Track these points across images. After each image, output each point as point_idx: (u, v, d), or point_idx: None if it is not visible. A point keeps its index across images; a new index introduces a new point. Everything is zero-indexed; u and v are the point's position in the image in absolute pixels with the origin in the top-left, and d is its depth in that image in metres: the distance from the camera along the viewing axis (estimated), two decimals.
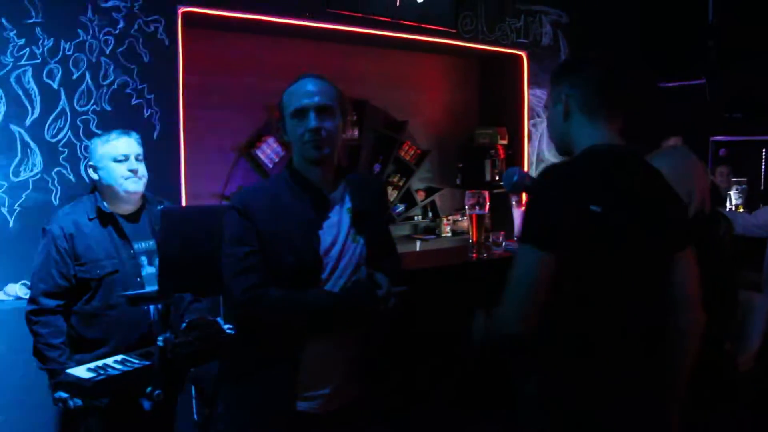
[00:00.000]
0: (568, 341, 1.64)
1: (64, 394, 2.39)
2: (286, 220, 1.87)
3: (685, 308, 1.75)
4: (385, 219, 2.20)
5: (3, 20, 3.30)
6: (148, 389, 2.31)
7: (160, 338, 2.24)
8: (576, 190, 1.65)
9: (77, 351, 2.49)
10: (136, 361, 2.36)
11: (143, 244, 2.60)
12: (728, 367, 2.33)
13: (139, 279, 2.54)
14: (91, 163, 2.59)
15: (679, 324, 1.75)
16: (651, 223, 1.69)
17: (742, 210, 5.08)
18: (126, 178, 2.53)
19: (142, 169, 2.56)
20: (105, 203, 2.56)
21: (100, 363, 2.33)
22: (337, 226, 1.92)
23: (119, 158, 2.52)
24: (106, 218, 2.55)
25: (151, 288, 2.46)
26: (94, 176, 2.58)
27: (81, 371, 2.26)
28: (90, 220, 2.54)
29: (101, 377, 2.21)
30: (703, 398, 2.23)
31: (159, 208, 2.51)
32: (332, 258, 1.89)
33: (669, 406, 1.76)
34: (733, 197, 5.24)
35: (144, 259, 2.58)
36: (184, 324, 2.43)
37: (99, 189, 2.60)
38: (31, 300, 2.49)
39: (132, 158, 2.54)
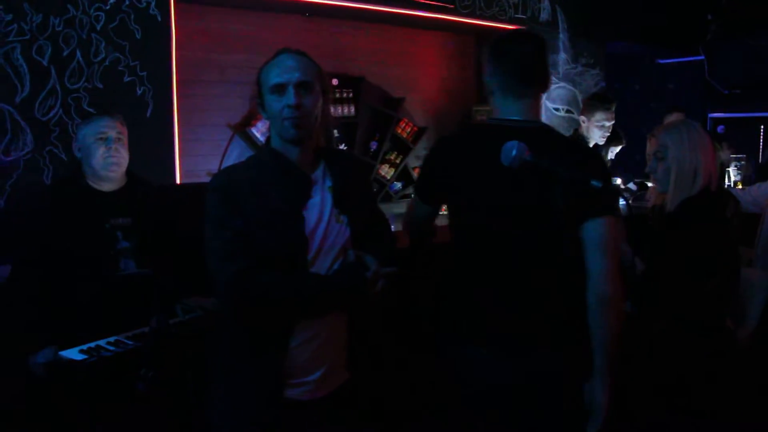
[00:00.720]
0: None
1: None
2: (269, 201, 1.81)
3: (595, 280, 1.85)
4: (371, 197, 2.14)
5: None
6: (142, 371, 2.28)
7: (153, 319, 2.22)
8: (446, 157, 2.00)
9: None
10: (130, 343, 2.33)
11: (120, 220, 2.61)
12: (728, 343, 2.32)
13: (112, 252, 2.57)
14: (76, 142, 2.65)
15: (590, 294, 1.86)
16: (518, 192, 1.87)
17: (740, 187, 5.05)
18: (104, 158, 2.58)
19: (121, 149, 2.60)
20: (87, 180, 2.62)
21: (92, 345, 2.31)
22: (319, 206, 1.87)
23: (98, 138, 2.57)
24: (84, 192, 2.62)
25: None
26: (79, 154, 2.65)
27: (74, 353, 2.23)
28: (70, 193, 2.60)
29: (94, 359, 2.19)
30: (703, 374, 2.22)
31: (151, 186, 2.53)
32: (317, 239, 1.84)
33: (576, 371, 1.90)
34: (732, 174, 5.21)
35: (119, 234, 2.60)
36: (179, 305, 2.40)
37: (83, 167, 2.65)
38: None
39: (112, 138, 2.58)
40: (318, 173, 1.91)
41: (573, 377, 1.92)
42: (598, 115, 4.20)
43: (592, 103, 4.33)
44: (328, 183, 1.92)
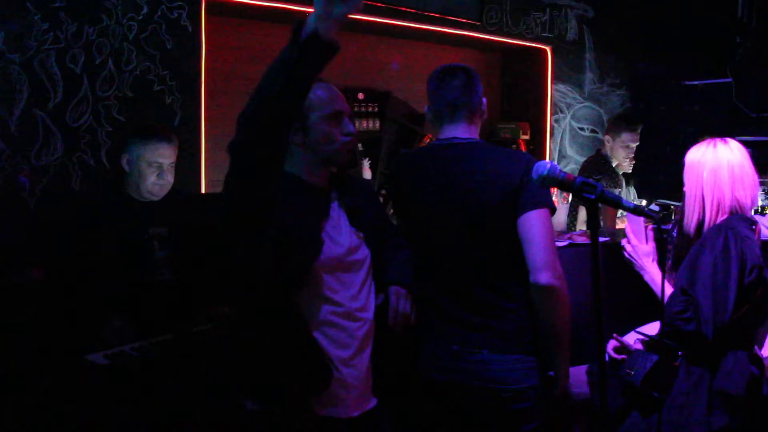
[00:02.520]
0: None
1: None
2: (288, 221, 1.82)
3: (535, 271, 2.01)
4: (382, 213, 2.21)
5: (28, 4, 3.30)
6: (165, 378, 2.29)
7: (179, 327, 2.23)
8: (400, 171, 2.31)
9: None
10: (153, 349, 2.35)
11: (158, 230, 2.65)
12: (760, 377, 2.26)
13: (150, 261, 2.64)
14: (126, 154, 2.64)
15: (532, 285, 2.03)
16: (456, 195, 2.10)
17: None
18: (154, 183, 2.64)
19: (170, 176, 2.64)
20: (129, 192, 2.72)
21: (117, 350, 2.32)
22: (338, 224, 1.92)
23: (154, 164, 2.60)
24: (126, 199, 2.72)
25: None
26: (126, 167, 2.64)
27: (99, 358, 2.25)
28: (112, 199, 2.74)
29: (118, 364, 2.20)
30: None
31: (180, 194, 2.57)
32: (340, 253, 1.86)
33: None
34: (759, 199, 5.14)
35: (156, 243, 2.64)
36: (205, 313, 2.42)
37: (125, 179, 2.66)
38: None
39: (165, 166, 2.62)
40: (333, 194, 1.95)
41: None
42: (624, 136, 4.17)
43: (617, 123, 4.31)
44: (342, 205, 1.97)
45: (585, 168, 4.50)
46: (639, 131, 4.25)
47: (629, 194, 4.62)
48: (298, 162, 1.92)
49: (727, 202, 2.26)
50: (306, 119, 1.89)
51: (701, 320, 2.13)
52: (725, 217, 2.24)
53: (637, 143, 4.24)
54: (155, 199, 2.67)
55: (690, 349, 2.22)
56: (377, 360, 1.95)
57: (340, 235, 1.88)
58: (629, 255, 2.46)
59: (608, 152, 4.32)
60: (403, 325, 1.93)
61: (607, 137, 4.33)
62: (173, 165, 2.68)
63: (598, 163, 4.30)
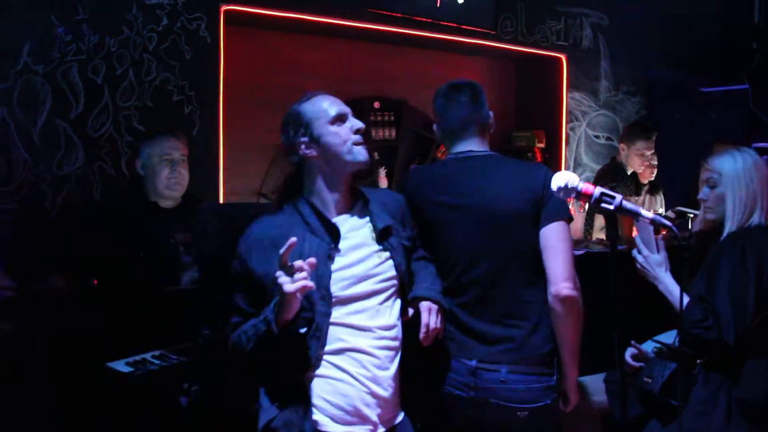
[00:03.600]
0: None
1: None
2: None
3: (554, 282, 2.03)
4: (413, 234, 2.12)
5: (52, 17, 3.36)
6: (185, 385, 2.32)
7: (199, 334, 2.26)
8: (415, 183, 2.30)
9: None
10: (174, 357, 2.38)
11: (181, 236, 2.71)
12: None
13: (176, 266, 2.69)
14: (139, 159, 2.72)
15: (550, 295, 2.04)
16: (474, 207, 2.11)
17: None
18: (168, 178, 2.67)
19: (183, 170, 2.68)
20: (150, 197, 2.78)
21: (138, 358, 2.36)
22: (358, 248, 1.89)
23: (164, 159, 2.65)
24: (149, 209, 2.78)
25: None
26: (141, 172, 2.71)
27: (120, 365, 2.28)
28: (138, 210, 2.79)
29: (141, 372, 2.23)
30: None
31: (203, 205, 2.61)
32: (359, 279, 1.86)
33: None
34: None
35: (182, 248, 2.72)
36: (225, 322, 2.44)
37: (145, 184, 2.73)
38: None
39: (176, 160, 2.66)
40: (356, 214, 1.94)
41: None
42: (639, 144, 4.17)
43: (632, 131, 4.30)
44: (368, 222, 1.94)
45: (600, 176, 4.51)
46: (654, 139, 4.24)
47: (655, 203, 4.58)
48: (317, 182, 1.90)
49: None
50: (312, 130, 1.89)
51: (721, 328, 2.13)
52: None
53: (653, 151, 4.24)
54: (174, 194, 2.72)
55: (709, 357, 2.22)
56: (405, 374, 1.95)
57: (356, 260, 1.86)
58: (641, 266, 2.43)
59: (623, 160, 4.31)
60: (434, 339, 1.95)
61: (622, 145, 4.33)
62: (184, 159, 2.72)
63: (613, 171, 4.30)
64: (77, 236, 2.85)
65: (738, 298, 2.14)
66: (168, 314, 2.52)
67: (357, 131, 1.88)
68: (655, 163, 4.28)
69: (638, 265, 2.43)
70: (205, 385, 2.28)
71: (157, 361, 2.34)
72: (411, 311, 1.96)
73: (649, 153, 4.20)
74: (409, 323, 1.95)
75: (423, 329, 1.92)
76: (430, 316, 1.94)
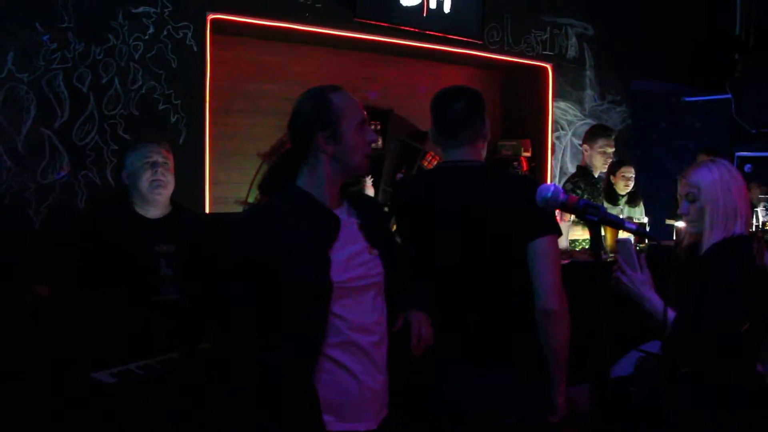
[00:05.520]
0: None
1: None
2: (295, 241, 1.80)
3: (541, 296, 2.04)
4: (390, 231, 2.20)
5: (37, 24, 3.35)
6: (171, 396, 2.30)
7: (183, 346, 2.25)
8: (404, 192, 2.38)
9: None
10: (159, 368, 2.36)
11: (164, 247, 2.68)
12: (761, 389, 2.28)
13: (156, 278, 2.65)
14: (123, 168, 2.76)
15: (537, 309, 2.04)
16: (461, 220, 2.11)
17: None
18: (150, 183, 2.70)
19: (167, 175, 2.68)
20: (134, 207, 2.73)
21: (123, 368, 2.34)
22: (349, 242, 1.88)
23: (146, 164, 2.65)
24: (133, 218, 2.72)
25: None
26: (126, 181, 2.71)
27: (105, 376, 2.26)
28: (120, 219, 2.72)
29: (125, 383, 2.21)
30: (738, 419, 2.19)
31: (187, 216, 2.59)
32: (349, 275, 1.85)
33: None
34: (761, 215, 5.16)
35: (163, 261, 2.67)
36: (210, 332, 2.43)
37: (130, 192, 2.75)
38: None
39: (158, 165, 2.67)
40: (343, 211, 1.93)
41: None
42: (600, 141, 4.36)
43: (593, 131, 4.51)
44: (355, 220, 1.94)
45: (569, 181, 4.64)
46: (613, 138, 4.43)
47: (634, 214, 4.72)
48: (319, 175, 1.87)
49: (746, 217, 2.29)
50: (337, 127, 1.85)
51: (706, 337, 2.14)
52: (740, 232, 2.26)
53: (613, 149, 4.40)
54: (158, 198, 2.70)
55: (693, 365, 2.23)
56: (392, 377, 1.95)
57: (351, 252, 1.87)
58: (626, 287, 2.39)
59: (588, 161, 4.43)
60: (424, 349, 1.95)
61: (585, 146, 4.47)
62: (167, 163, 2.72)
63: (580, 177, 4.41)
64: (58, 246, 2.83)
65: (725, 308, 2.16)
66: (152, 325, 2.50)
67: (371, 141, 1.90)
68: (612, 158, 4.47)
69: (623, 288, 2.39)
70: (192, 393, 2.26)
71: (142, 372, 2.31)
72: (401, 321, 1.96)
73: (610, 150, 4.38)
74: (399, 332, 1.95)
75: (414, 340, 1.92)
76: (420, 327, 1.94)
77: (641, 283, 2.32)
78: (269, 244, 1.80)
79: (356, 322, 1.83)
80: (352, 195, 2.00)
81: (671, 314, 2.19)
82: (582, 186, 4.21)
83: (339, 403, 1.81)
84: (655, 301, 2.29)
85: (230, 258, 1.88)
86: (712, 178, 2.28)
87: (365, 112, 1.91)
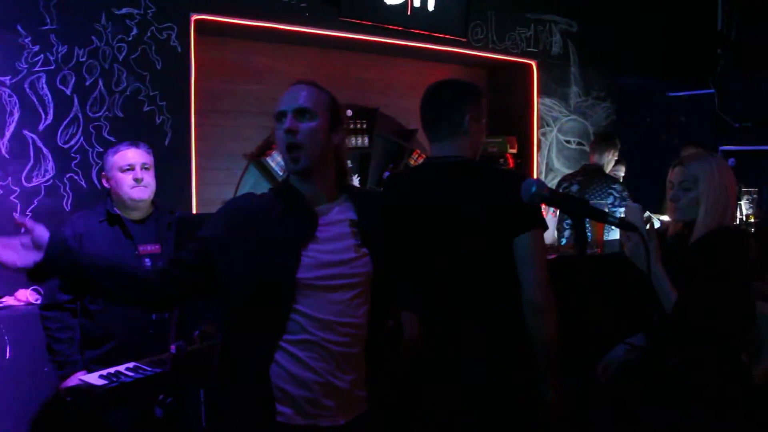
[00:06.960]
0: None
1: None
2: (270, 236, 1.79)
3: (528, 290, 2.05)
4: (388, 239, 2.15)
5: (18, 27, 3.33)
6: (160, 397, 2.30)
7: (173, 346, 2.24)
8: (390, 189, 2.40)
9: (87, 347, 2.65)
10: (149, 369, 2.36)
11: (148, 247, 2.70)
12: (745, 379, 2.30)
13: None
14: (104, 172, 2.77)
15: (525, 304, 2.06)
16: (444, 217, 2.12)
17: (753, 220, 5.06)
18: (132, 187, 2.69)
19: (147, 178, 2.68)
20: (116, 209, 2.73)
21: (112, 370, 2.33)
22: (334, 240, 1.85)
23: (125, 168, 2.66)
24: (113, 220, 2.72)
25: None
26: (107, 185, 2.71)
27: (93, 378, 2.26)
28: (100, 222, 2.71)
29: (114, 384, 2.21)
30: (721, 410, 2.21)
31: (175, 215, 2.59)
32: (331, 271, 1.83)
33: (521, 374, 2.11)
34: (744, 207, 5.22)
35: (148, 261, 2.67)
36: (197, 332, 2.42)
37: (111, 196, 2.76)
38: (46, 294, 2.69)
39: (138, 168, 2.67)
40: (337, 206, 1.91)
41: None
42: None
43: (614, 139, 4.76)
44: (349, 216, 1.92)
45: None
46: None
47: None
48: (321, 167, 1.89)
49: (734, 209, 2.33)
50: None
51: (694, 327, 2.17)
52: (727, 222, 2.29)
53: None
54: (139, 203, 2.69)
55: (680, 356, 2.25)
56: (380, 376, 1.94)
57: (331, 250, 1.84)
58: (631, 253, 2.35)
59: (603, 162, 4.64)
60: (414, 350, 1.96)
61: (613, 152, 4.68)
62: (148, 168, 2.71)
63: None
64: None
65: (713, 296, 2.18)
66: (143, 325, 2.51)
67: (285, 130, 1.87)
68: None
69: (627, 253, 2.36)
70: (179, 397, 2.26)
71: (132, 373, 2.31)
72: (391, 322, 1.96)
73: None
74: (392, 333, 1.96)
75: (404, 342, 1.93)
76: (411, 327, 1.95)
77: (654, 248, 2.27)
78: (239, 230, 1.80)
79: (324, 321, 1.81)
80: (353, 189, 1.98)
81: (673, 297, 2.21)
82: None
83: (299, 398, 1.78)
84: (659, 276, 2.26)
85: (199, 234, 1.87)
86: (711, 170, 2.30)
87: (291, 104, 1.85)
